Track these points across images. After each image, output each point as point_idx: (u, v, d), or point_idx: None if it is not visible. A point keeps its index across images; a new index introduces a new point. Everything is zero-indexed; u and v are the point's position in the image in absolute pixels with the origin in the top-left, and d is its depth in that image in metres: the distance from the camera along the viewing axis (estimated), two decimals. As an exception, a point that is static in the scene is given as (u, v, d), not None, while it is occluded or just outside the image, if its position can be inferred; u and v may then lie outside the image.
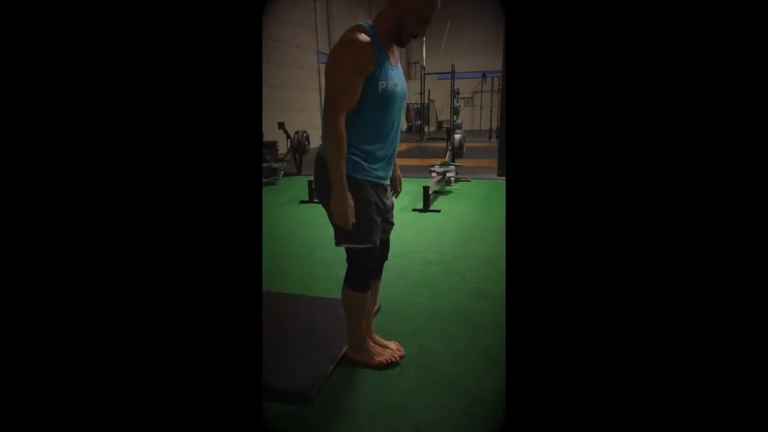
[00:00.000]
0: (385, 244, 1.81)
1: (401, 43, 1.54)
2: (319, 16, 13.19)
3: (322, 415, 1.55)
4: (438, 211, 4.58)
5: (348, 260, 1.71)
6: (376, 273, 1.83)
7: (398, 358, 1.85)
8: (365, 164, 1.57)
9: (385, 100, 1.53)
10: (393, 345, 1.92)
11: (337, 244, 1.67)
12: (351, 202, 1.53)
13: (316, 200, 5.12)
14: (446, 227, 4.01)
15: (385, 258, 1.87)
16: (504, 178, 4.36)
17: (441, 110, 19.54)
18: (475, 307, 2.37)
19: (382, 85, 1.50)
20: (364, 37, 1.46)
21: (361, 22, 1.52)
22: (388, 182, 1.70)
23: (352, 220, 1.55)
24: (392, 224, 1.80)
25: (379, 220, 1.66)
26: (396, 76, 1.56)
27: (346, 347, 1.87)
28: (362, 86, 1.48)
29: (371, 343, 1.87)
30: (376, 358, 1.82)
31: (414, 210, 4.62)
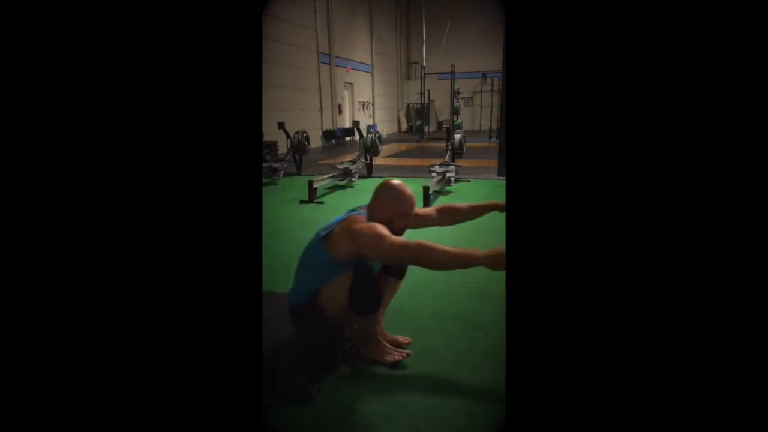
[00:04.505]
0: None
1: (396, 234, 1.74)
2: (319, 16, 13.19)
3: (322, 415, 1.55)
4: (438, 211, 4.57)
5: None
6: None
7: (406, 356, 1.86)
8: None
9: None
10: (402, 340, 1.96)
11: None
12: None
13: (317, 200, 5.12)
14: (446, 227, 4.00)
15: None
16: (504, 178, 4.36)
17: (441, 110, 19.53)
18: (475, 308, 2.37)
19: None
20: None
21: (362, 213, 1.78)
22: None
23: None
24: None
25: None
26: None
27: (356, 344, 1.88)
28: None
29: (384, 342, 1.88)
30: (387, 357, 1.83)
31: (414, 210, 4.61)
